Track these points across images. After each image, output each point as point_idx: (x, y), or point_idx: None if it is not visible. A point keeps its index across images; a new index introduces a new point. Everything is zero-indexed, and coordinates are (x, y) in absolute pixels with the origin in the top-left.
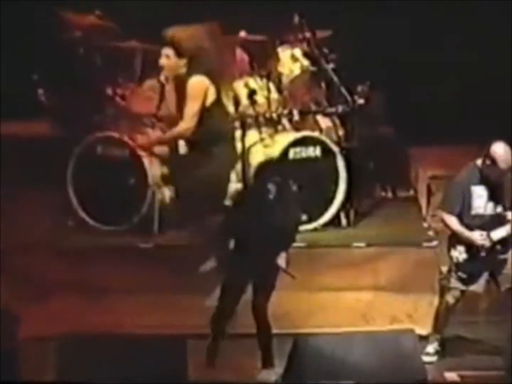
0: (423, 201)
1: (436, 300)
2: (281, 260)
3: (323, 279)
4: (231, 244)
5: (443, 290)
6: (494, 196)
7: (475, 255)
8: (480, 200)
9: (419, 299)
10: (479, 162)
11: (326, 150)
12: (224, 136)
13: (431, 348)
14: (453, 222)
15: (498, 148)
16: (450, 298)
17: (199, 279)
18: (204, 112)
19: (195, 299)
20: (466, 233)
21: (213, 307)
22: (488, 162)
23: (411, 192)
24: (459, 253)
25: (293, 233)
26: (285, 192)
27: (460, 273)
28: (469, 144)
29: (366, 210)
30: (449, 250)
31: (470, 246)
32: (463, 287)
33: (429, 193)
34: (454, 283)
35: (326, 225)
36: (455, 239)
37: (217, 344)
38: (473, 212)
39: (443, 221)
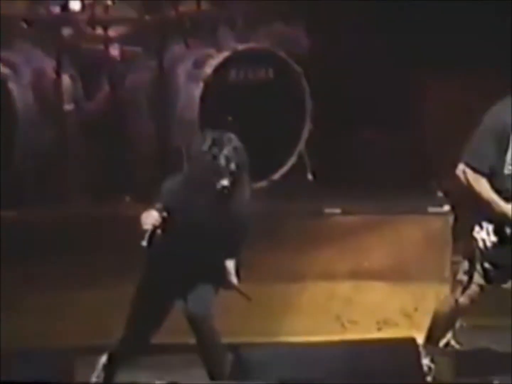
0: (431, 144)
1: (446, 292)
2: (233, 277)
3: (276, 262)
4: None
5: (454, 283)
6: None
7: (507, 238)
8: None
9: (421, 290)
10: None
11: (284, 70)
12: None
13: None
14: (481, 185)
15: None
16: (463, 298)
17: None
18: None
19: None
20: (501, 205)
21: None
22: None
23: (415, 131)
24: (486, 234)
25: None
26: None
27: (486, 264)
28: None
29: (344, 158)
30: (471, 228)
31: (502, 225)
32: (486, 284)
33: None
34: (477, 278)
35: (283, 180)
36: (480, 211)
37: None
38: (508, 170)
39: (465, 180)
